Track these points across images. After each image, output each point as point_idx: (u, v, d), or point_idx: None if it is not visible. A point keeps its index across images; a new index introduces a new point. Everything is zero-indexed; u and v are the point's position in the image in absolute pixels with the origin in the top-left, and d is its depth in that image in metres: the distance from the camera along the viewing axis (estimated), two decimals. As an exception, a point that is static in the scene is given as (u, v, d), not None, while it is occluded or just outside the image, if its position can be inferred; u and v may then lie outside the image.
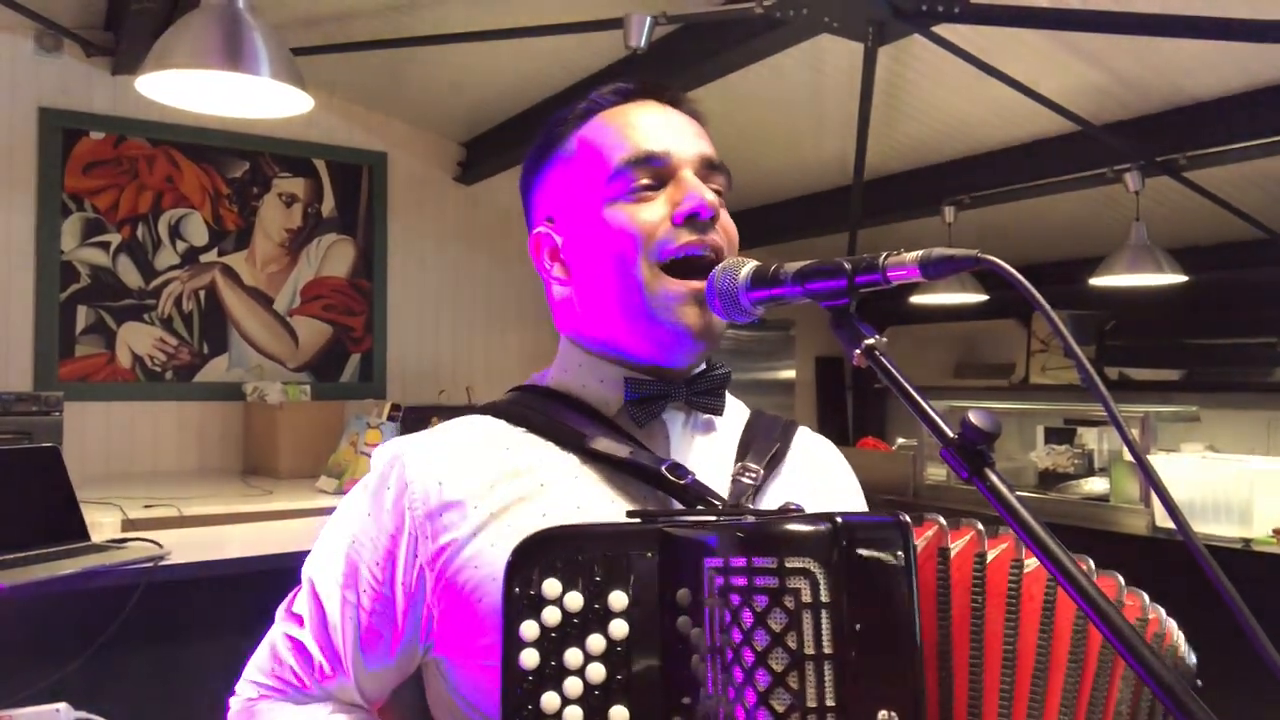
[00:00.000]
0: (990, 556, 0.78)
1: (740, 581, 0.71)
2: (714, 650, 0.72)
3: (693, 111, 0.99)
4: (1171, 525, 0.99)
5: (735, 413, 1.03)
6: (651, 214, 0.91)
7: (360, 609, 0.89)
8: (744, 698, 0.70)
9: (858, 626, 0.71)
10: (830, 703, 0.69)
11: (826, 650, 0.70)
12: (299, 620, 0.92)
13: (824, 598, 0.70)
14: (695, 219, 0.90)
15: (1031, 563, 0.77)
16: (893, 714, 0.70)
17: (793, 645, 0.70)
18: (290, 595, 0.95)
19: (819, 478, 1.04)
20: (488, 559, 0.85)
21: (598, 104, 0.97)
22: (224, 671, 1.02)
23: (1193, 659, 0.86)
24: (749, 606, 0.71)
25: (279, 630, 0.94)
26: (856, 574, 0.72)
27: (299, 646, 0.91)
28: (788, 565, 0.71)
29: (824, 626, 0.70)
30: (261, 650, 0.95)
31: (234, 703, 0.95)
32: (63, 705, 1.66)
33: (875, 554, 0.73)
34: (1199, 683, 0.86)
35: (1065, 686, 0.77)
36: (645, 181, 0.92)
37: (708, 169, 0.94)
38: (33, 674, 1.94)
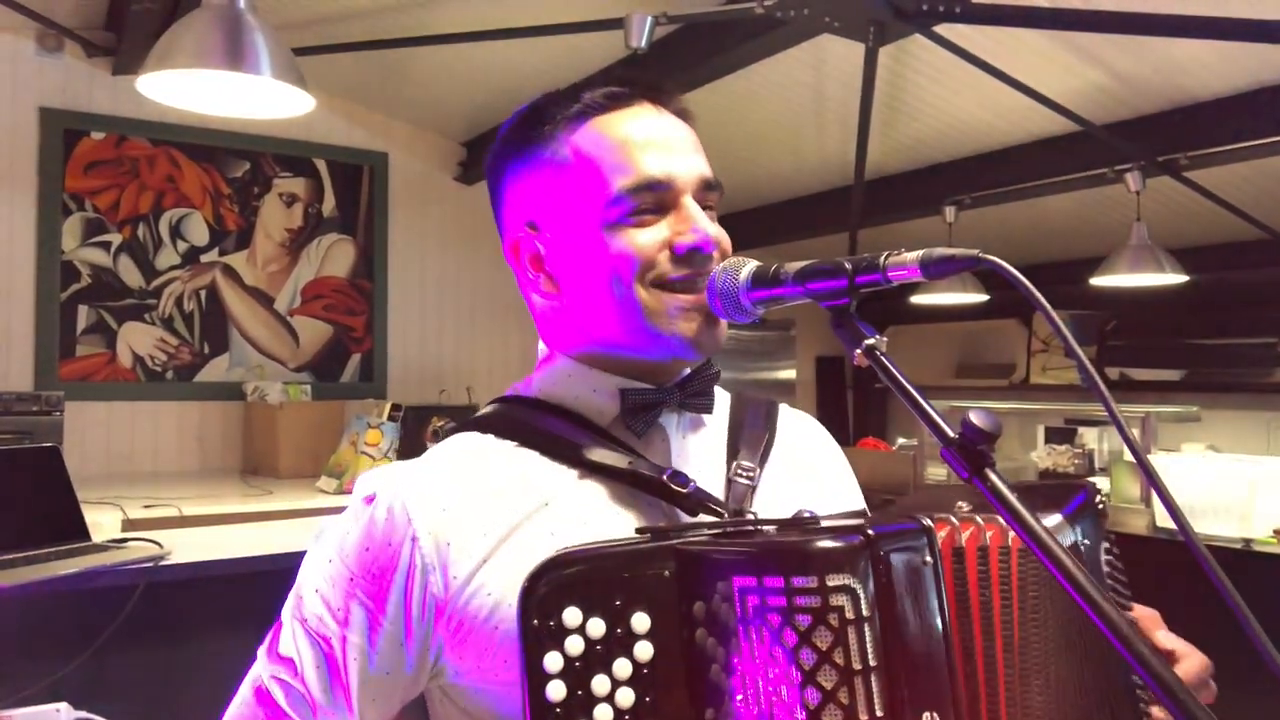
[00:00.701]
0: (987, 544, 0.79)
1: (779, 601, 0.71)
2: (752, 669, 0.72)
3: (680, 110, 0.97)
4: (1172, 525, 0.99)
5: (718, 400, 1.02)
6: (651, 240, 0.89)
7: (365, 648, 0.86)
8: (794, 715, 0.70)
9: (898, 635, 0.72)
10: (880, 713, 0.70)
11: (872, 663, 0.70)
12: (290, 664, 0.87)
13: (865, 611, 0.71)
14: (697, 254, 0.89)
15: (1013, 539, 0.79)
16: (935, 714, 0.71)
17: (840, 661, 0.70)
18: (271, 635, 0.90)
19: (806, 460, 1.04)
20: (500, 583, 0.83)
21: (591, 108, 0.94)
22: (224, 671, 1.02)
23: None
24: (791, 626, 0.71)
25: (266, 674, 0.88)
26: (893, 584, 0.72)
27: (292, 692, 0.87)
28: (829, 583, 0.71)
29: (867, 639, 0.71)
30: (244, 698, 0.90)
31: None
32: (63, 705, 1.67)
33: (907, 562, 0.74)
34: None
35: (1039, 653, 0.79)
36: (646, 206, 0.90)
37: (706, 190, 0.93)
38: (33, 674, 1.94)
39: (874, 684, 0.70)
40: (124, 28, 3.86)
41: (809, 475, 1.02)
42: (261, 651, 0.90)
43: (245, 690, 0.90)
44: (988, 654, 0.76)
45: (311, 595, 0.88)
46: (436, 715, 0.93)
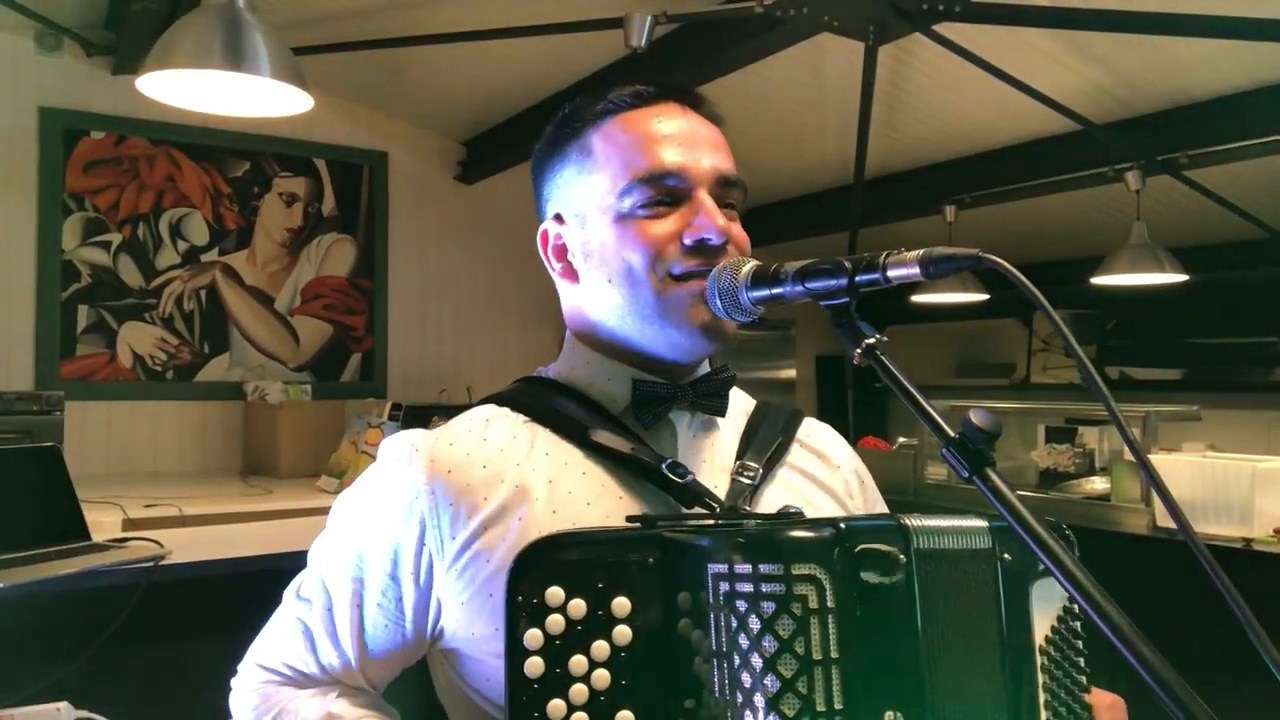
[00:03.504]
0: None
1: (746, 588, 0.72)
2: (720, 655, 0.73)
3: (712, 115, 1.00)
4: (1172, 525, 1.00)
5: (739, 406, 1.03)
6: (663, 232, 0.91)
7: (367, 598, 0.91)
8: (753, 702, 0.70)
9: (864, 630, 0.71)
10: (839, 705, 0.70)
11: (834, 655, 0.70)
12: (306, 605, 0.94)
13: (830, 603, 0.71)
14: (705, 244, 0.91)
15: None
16: (898, 714, 0.71)
17: (800, 651, 0.70)
18: (299, 578, 0.97)
19: (822, 470, 1.04)
20: (498, 554, 0.86)
21: (616, 105, 0.96)
22: (225, 671, 1.02)
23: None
24: (755, 613, 0.71)
25: (287, 613, 0.95)
26: (862, 579, 0.72)
27: (305, 631, 0.93)
28: (794, 572, 0.71)
29: (831, 631, 0.71)
30: (267, 634, 0.96)
31: (236, 684, 0.96)
32: (63, 704, 1.66)
33: (880, 559, 0.74)
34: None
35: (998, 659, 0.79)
36: (660, 197, 0.92)
37: (723, 186, 0.94)
38: (33, 673, 1.94)
39: (835, 676, 0.70)
40: (124, 27, 3.85)
41: (824, 486, 1.02)
42: (287, 592, 0.96)
43: (270, 629, 0.96)
44: (949, 658, 0.76)
45: (330, 542, 0.94)
46: (437, 680, 0.95)
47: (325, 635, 0.92)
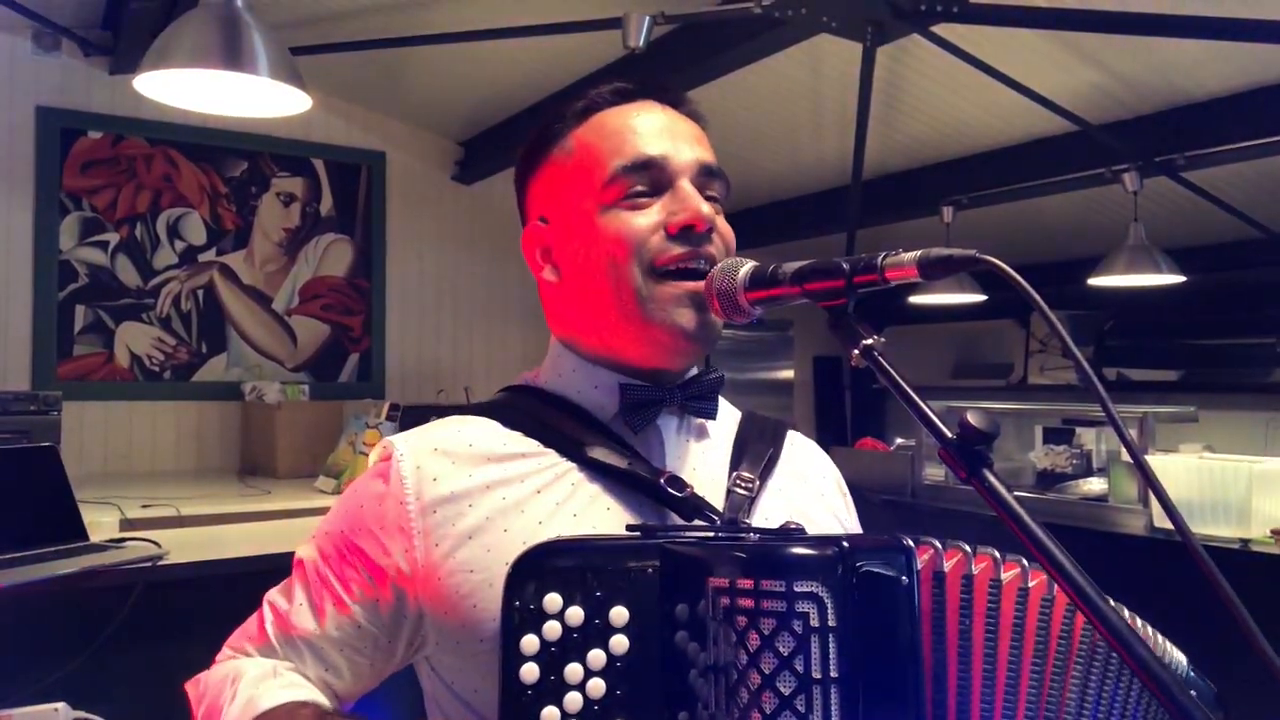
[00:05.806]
0: (974, 574, 0.78)
1: (747, 603, 0.72)
2: (717, 670, 0.72)
3: (693, 113, 0.99)
4: (1170, 525, 1.00)
5: (726, 415, 1.02)
6: (646, 222, 0.90)
7: (344, 601, 0.90)
8: (749, 718, 0.70)
9: (864, 649, 0.71)
10: None
11: (833, 674, 0.70)
12: (287, 599, 0.94)
13: (831, 622, 0.71)
14: (690, 231, 0.90)
15: (1008, 576, 0.78)
16: None
17: (800, 669, 0.70)
18: (282, 582, 0.97)
19: (808, 482, 1.04)
20: (483, 565, 0.85)
21: (596, 103, 0.96)
22: (222, 671, 1.03)
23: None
24: (755, 629, 0.71)
25: (266, 606, 0.96)
26: (863, 598, 0.72)
27: (277, 618, 0.93)
28: (796, 589, 0.71)
29: (831, 650, 0.70)
30: (246, 623, 0.97)
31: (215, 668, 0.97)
32: (61, 705, 1.66)
33: (881, 578, 0.73)
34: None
35: (1030, 686, 0.78)
36: (641, 188, 0.91)
37: (705, 176, 0.94)
38: (31, 674, 1.94)
39: (833, 695, 0.70)
40: (121, 27, 3.85)
41: (811, 497, 1.02)
42: (272, 590, 0.97)
43: (250, 619, 0.97)
44: (962, 682, 0.75)
45: (315, 543, 0.95)
46: (425, 687, 0.95)
47: (298, 634, 0.91)
